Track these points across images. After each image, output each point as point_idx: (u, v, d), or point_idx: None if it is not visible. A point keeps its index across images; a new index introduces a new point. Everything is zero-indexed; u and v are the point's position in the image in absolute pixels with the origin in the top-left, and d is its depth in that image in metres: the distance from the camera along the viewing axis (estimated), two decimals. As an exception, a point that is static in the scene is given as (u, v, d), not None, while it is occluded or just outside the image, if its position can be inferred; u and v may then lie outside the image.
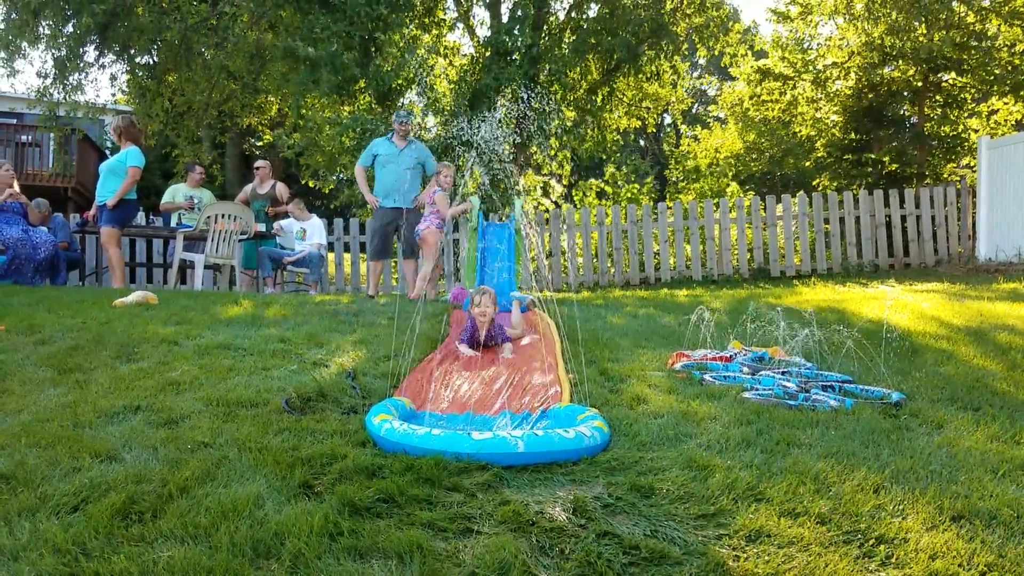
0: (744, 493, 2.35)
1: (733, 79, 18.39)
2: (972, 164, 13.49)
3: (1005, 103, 14.94)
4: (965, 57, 14.16)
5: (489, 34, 13.21)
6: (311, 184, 17.31)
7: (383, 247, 8.67)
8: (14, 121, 19.39)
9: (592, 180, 17.67)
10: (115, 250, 8.40)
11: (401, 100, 12.97)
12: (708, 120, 25.62)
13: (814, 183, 16.72)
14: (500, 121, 11.52)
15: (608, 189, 17.60)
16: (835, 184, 15.63)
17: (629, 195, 17.48)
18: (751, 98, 17.08)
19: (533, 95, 12.11)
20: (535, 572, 1.90)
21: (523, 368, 4.16)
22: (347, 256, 13.01)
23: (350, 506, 2.23)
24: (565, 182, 15.88)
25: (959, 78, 14.74)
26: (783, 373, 3.97)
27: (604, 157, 16.80)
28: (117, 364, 4.00)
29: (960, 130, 15.51)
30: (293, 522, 2.09)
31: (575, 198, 17.33)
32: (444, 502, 2.30)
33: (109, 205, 8.23)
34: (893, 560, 1.97)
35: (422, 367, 4.17)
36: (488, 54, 12.57)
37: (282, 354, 4.29)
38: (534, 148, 13.92)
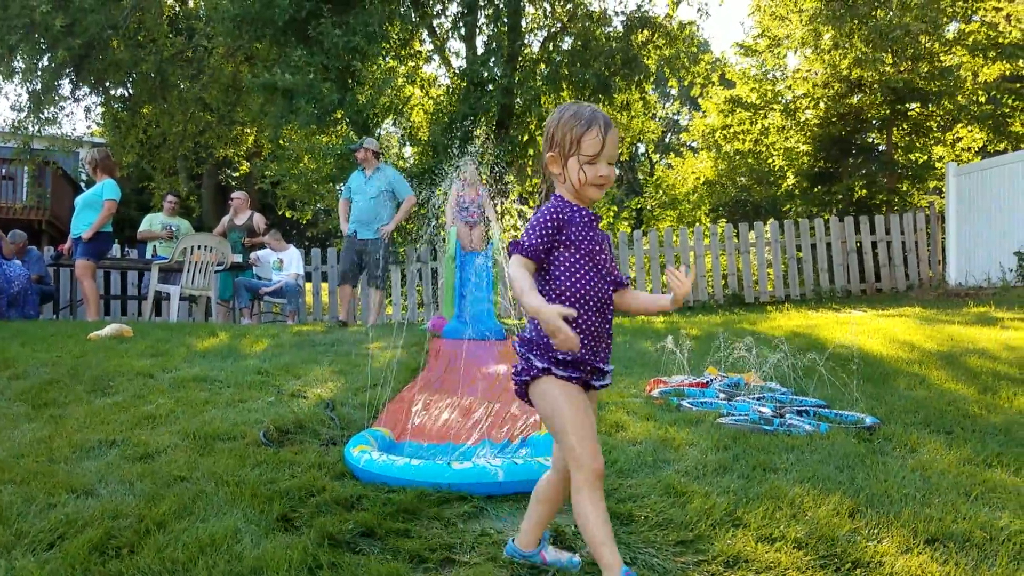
0: (722, 519, 2.38)
1: (704, 112, 18.66)
2: (940, 187, 13.77)
3: (969, 131, 15.29)
4: (931, 87, 14.50)
5: (464, 65, 13.34)
6: (288, 214, 17.28)
7: (347, 273, 8.93)
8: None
9: None
10: (90, 283, 8.32)
11: (378, 131, 13.02)
12: (681, 149, 25.94)
13: (785, 209, 16.95)
14: (477, 152, 11.62)
15: None
16: (806, 211, 15.87)
17: (607, 218, 17.58)
18: (723, 128, 17.33)
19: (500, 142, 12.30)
20: (516, 602, 1.91)
21: (502, 396, 4.17)
22: (324, 286, 12.96)
23: (329, 539, 2.22)
24: (532, 205, 15.98)
25: (925, 108, 15.08)
26: (758, 399, 4.01)
27: None
28: (92, 398, 3.96)
29: (927, 157, 15.82)
30: (271, 556, 2.08)
31: None
32: (425, 534, 2.30)
33: (85, 238, 8.17)
34: (869, 583, 2.00)
35: (401, 397, 4.17)
36: (464, 85, 12.68)
37: (259, 386, 4.27)
38: (510, 176, 14.00)
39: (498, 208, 12.45)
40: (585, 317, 1.96)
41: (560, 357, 1.94)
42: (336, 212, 10.26)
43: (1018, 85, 14.49)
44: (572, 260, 1.96)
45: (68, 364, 4.71)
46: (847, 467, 2.88)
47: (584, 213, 2.01)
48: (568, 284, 1.95)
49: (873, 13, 13.34)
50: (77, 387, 4.16)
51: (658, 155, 27.89)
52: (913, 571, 2.05)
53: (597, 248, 2.00)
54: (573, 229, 1.97)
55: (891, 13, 13.05)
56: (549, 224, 1.96)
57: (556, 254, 1.96)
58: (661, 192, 19.04)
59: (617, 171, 2.23)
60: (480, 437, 3.50)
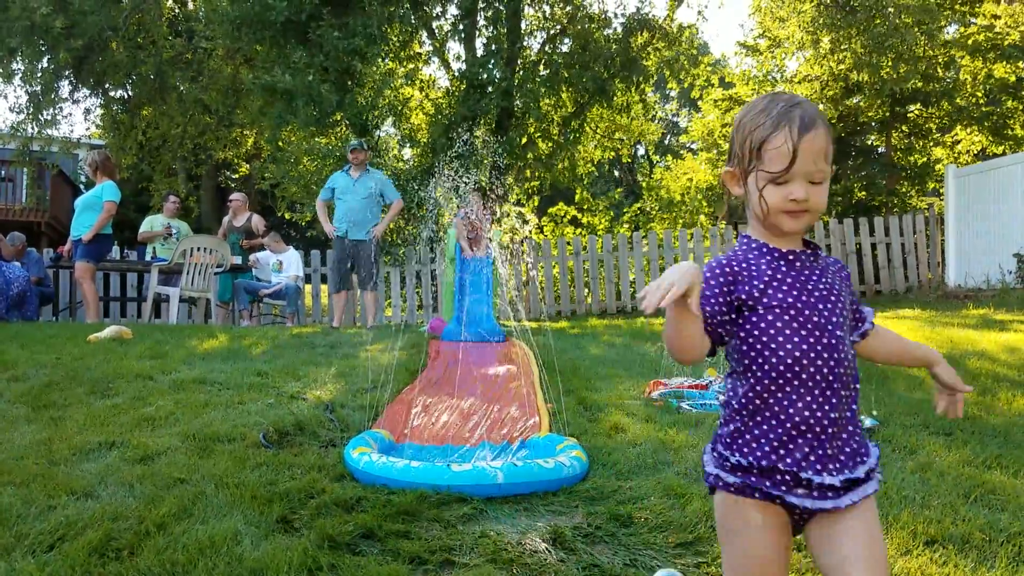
0: (722, 521, 2.37)
1: (702, 113, 18.66)
2: (939, 189, 13.78)
3: (968, 133, 15.30)
4: (930, 90, 14.51)
5: (464, 67, 13.35)
6: (287, 216, 17.28)
7: (341, 279, 8.78)
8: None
9: (561, 204, 17.75)
10: (90, 285, 8.32)
11: (377, 132, 13.04)
12: (680, 150, 25.93)
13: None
14: (475, 155, 11.64)
15: (583, 219, 17.73)
16: (806, 213, 15.84)
17: (605, 222, 17.57)
18: (722, 127, 17.34)
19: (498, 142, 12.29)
20: (516, 603, 1.91)
21: (501, 399, 4.17)
22: (324, 288, 12.96)
23: (329, 541, 2.22)
24: (528, 210, 15.99)
25: (925, 110, 15.09)
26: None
27: (574, 187, 16.91)
28: (92, 400, 3.96)
29: (927, 159, 15.84)
30: (271, 558, 2.08)
31: (545, 229, 17.39)
32: (424, 535, 2.30)
33: (85, 240, 8.17)
34: (868, 585, 2.00)
35: (401, 399, 4.17)
36: (463, 87, 12.70)
37: (259, 388, 4.27)
38: (510, 179, 14.01)
39: (498, 212, 12.47)
40: (791, 400, 1.37)
41: (734, 459, 1.41)
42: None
43: (1018, 85, 14.49)
44: (766, 323, 1.39)
45: (68, 366, 4.71)
46: (846, 469, 2.88)
47: (780, 255, 1.44)
48: (761, 357, 1.39)
49: (871, 21, 13.35)
50: (77, 389, 4.16)
51: (658, 157, 27.89)
52: (913, 572, 2.05)
53: (812, 300, 1.40)
54: (757, 284, 1.40)
55: (888, 21, 13.05)
56: (715, 287, 1.40)
57: (743, 320, 1.41)
58: (657, 195, 19.02)
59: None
60: (479, 439, 3.50)
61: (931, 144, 15.86)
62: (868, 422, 3.50)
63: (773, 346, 1.38)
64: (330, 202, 8.85)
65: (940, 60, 14.46)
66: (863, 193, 15.45)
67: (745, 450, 1.39)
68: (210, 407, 3.80)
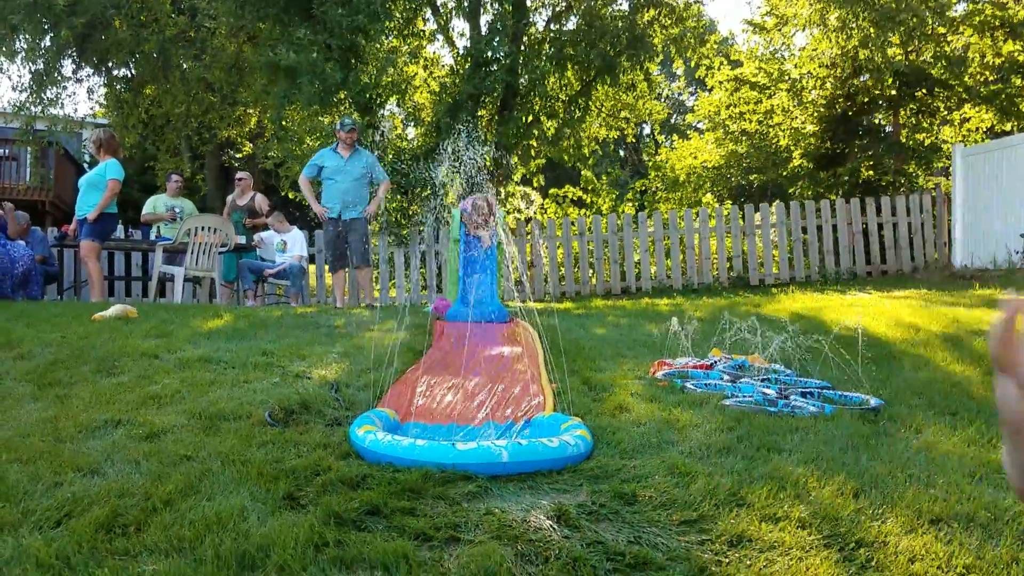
0: (726, 499, 2.38)
1: (710, 90, 18.51)
2: (947, 166, 13.69)
3: (977, 112, 15.18)
4: (938, 68, 14.38)
5: (468, 45, 13.26)
6: (291, 196, 17.26)
7: (337, 258, 8.68)
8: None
9: (568, 186, 17.68)
10: (95, 264, 8.33)
11: (381, 111, 12.98)
12: (686, 130, 25.79)
13: (791, 191, 16.89)
14: (478, 137, 11.59)
15: (586, 198, 17.66)
16: (812, 193, 15.80)
17: (609, 201, 17.50)
18: (728, 107, 17.23)
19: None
20: (520, 580, 1.92)
21: (506, 378, 4.17)
22: (328, 268, 12.99)
23: (335, 517, 2.23)
24: (536, 185, 15.93)
25: (932, 89, 14.96)
26: (763, 380, 4.01)
27: (580, 167, 16.83)
28: (97, 378, 3.97)
29: (934, 137, 15.73)
30: (278, 534, 2.09)
31: (548, 210, 17.33)
32: (429, 512, 2.31)
33: (90, 218, 8.17)
34: (873, 563, 2.00)
35: (405, 378, 4.17)
36: (468, 65, 12.62)
37: (264, 367, 4.28)
38: (515, 159, 13.96)
39: (502, 193, 12.42)
40: None
41: None
42: None
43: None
44: None
45: (73, 345, 4.72)
46: (851, 448, 2.89)
47: None
48: None
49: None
50: (82, 367, 4.17)
51: (664, 136, 27.74)
52: (917, 551, 2.05)
53: None
54: None
55: None
56: None
57: None
58: (662, 174, 18.92)
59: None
60: (484, 418, 3.51)
61: (939, 123, 15.74)
62: (873, 402, 3.50)
63: None
64: (316, 179, 8.69)
65: (948, 38, 14.32)
66: (870, 173, 15.35)
67: None
68: (216, 385, 3.81)
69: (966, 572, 1.96)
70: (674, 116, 30.45)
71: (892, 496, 2.39)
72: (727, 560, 2.02)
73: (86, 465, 2.63)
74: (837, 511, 2.28)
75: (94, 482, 2.48)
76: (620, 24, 13.03)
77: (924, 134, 15.75)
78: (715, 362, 4.46)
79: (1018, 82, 14.69)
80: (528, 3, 13.73)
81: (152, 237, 9.96)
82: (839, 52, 14.78)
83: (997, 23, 13.97)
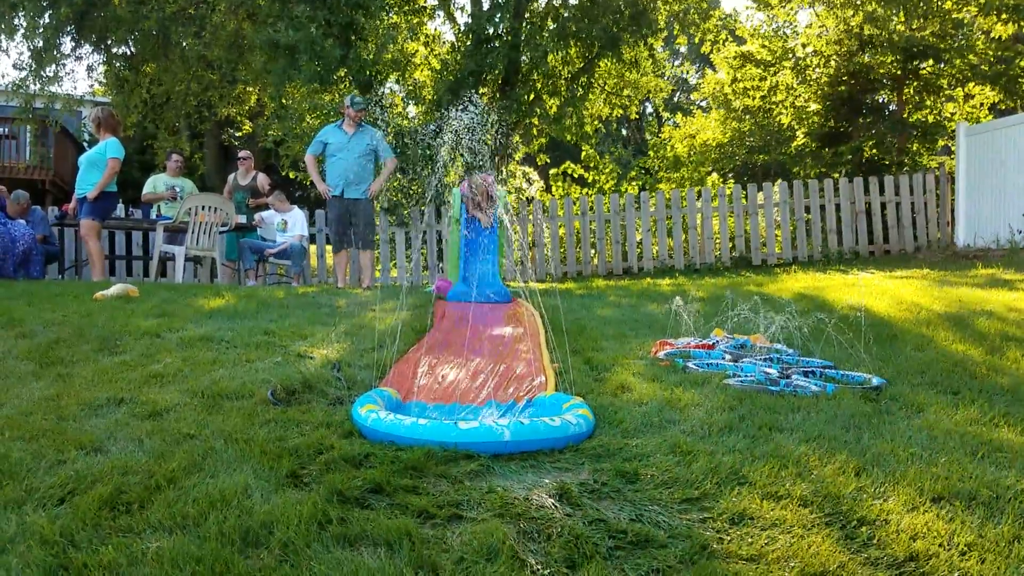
0: (727, 477, 2.38)
1: (714, 68, 18.36)
2: (950, 146, 13.61)
3: (981, 89, 15.06)
4: (943, 46, 14.24)
5: (470, 20, 13.14)
6: (291, 175, 17.21)
7: (341, 237, 8.56)
8: (-11, 113, 19.13)
9: (568, 163, 17.57)
10: (95, 243, 8.32)
11: (381, 89, 12.89)
12: (691, 108, 25.64)
13: (794, 170, 16.81)
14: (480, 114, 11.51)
15: (588, 176, 17.55)
16: (815, 172, 15.73)
17: (611, 179, 17.40)
18: (732, 83, 17.09)
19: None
20: (522, 556, 1.92)
21: (508, 358, 4.18)
22: (329, 248, 12.96)
23: (338, 495, 2.24)
24: (540, 162, 15.84)
25: (937, 66, 14.83)
26: (765, 360, 4.01)
27: (582, 145, 16.72)
28: (99, 357, 3.97)
29: (937, 115, 15.60)
30: (281, 511, 2.09)
31: (555, 191, 17.24)
32: (432, 491, 2.32)
33: (90, 197, 8.14)
34: (875, 541, 2.01)
35: (407, 358, 4.17)
36: (469, 41, 12.52)
37: (266, 346, 4.28)
38: (517, 137, 13.88)
39: (504, 172, 12.36)
40: None
41: None
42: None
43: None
44: None
45: (75, 323, 4.72)
46: (853, 427, 2.89)
47: None
48: None
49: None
50: (84, 346, 4.17)
51: (668, 114, 27.57)
52: (919, 528, 2.06)
53: None
54: None
55: None
56: None
57: None
58: (663, 152, 18.80)
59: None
60: (486, 397, 3.51)
61: (943, 100, 15.62)
62: (875, 381, 3.50)
63: None
64: (320, 156, 8.59)
65: (953, 15, 14.18)
66: (874, 152, 15.27)
67: None
68: (218, 365, 3.81)
69: (968, 550, 1.97)
70: (677, 94, 30.26)
71: (894, 474, 2.39)
72: (728, 538, 2.03)
73: (89, 443, 2.63)
74: (839, 489, 2.28)
75: (97, 460, 2.49)
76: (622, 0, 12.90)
77: (927, 111, 15.63)
78: (717, 342, 4.45)
79: (1022, 63, 14.56)
80: (531, -22, 13.59)
81: (152, 216, 9.94)
82: (844, 29, 14.65)
83: (1001, 3, 13.81)
